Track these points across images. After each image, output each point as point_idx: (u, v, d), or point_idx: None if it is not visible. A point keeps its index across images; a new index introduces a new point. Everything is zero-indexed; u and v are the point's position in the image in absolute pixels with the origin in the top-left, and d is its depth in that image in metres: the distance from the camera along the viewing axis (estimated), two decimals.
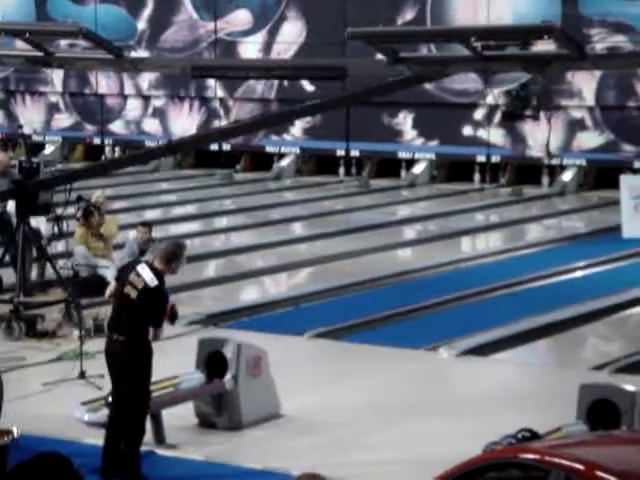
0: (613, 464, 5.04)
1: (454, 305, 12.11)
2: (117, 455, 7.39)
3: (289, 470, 7.43)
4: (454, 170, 21.12)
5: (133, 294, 7.41)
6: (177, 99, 22.60)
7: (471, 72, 10.73)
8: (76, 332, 10.12)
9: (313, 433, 8.34)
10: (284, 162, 21.89)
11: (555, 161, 19.94)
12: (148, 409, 7.58)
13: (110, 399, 7.63)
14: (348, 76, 10.16)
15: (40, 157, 17.88)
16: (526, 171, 20.33)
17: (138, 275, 7.45)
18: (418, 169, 21.06)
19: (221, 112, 22.24)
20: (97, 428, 7.77)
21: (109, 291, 7.86)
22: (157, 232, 12.70)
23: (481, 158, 20.61)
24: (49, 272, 11.85)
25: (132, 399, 7.43)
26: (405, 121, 21.03)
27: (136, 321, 7.41)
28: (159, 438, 8.01)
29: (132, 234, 12.91)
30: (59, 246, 12.54)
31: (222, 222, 18.00)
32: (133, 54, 20.24)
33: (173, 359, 9.34)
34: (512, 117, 9.52)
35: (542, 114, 9.16)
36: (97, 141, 23.24)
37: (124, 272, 7.65)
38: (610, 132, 19.71)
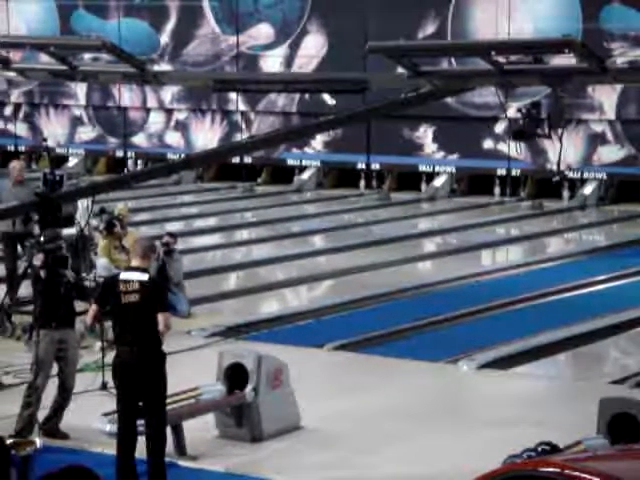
0: (633, 478, 5.04)
1: (474, 318, 12.12)
2: (133, 467, 7.43)
3: None
4: (474, 183, 21.13)
5: (134, 298, 7.39)
6: (199, 112, 22.73)
7: (492, 86, 10.72)
8: (98, 344, 10.18)
9: (333, 445, 8.36)
10: (305, 175, 21.95)
11: (572, 175, 19.92)
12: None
13: (125, 412, 7.61)
14: (369, 90, 10.21)
15: (63, 170, 18.01)
16: (546, 184, 20.31)
17: (126, 282, 7.44)
18: (438, 182, 21.08)
19: (243, 125, 22.35)
20: None
21: (90, 318, 7.72)
22: (179, 244, 12.76)
23: (501, 171, 20.61)
24: None
25: (157, 410, 7.47)
26: (425, 134, 21.06)
27: (146, 325, 7.38)
28: (180, 449, 8.06)
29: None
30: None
31: (243, 235, 18.07)
32: (156, 68, 20.38)
33: (194, 371, 9.41)
34: (523, 135, 9.49)
35: (554, 132, 9.12)
36: (120, 154, 23.39)
37: (108, 291, 7.58)
38: (631, 146, 19.68)
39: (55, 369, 8.51)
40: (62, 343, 8.40)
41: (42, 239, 8.64)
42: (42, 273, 8.42)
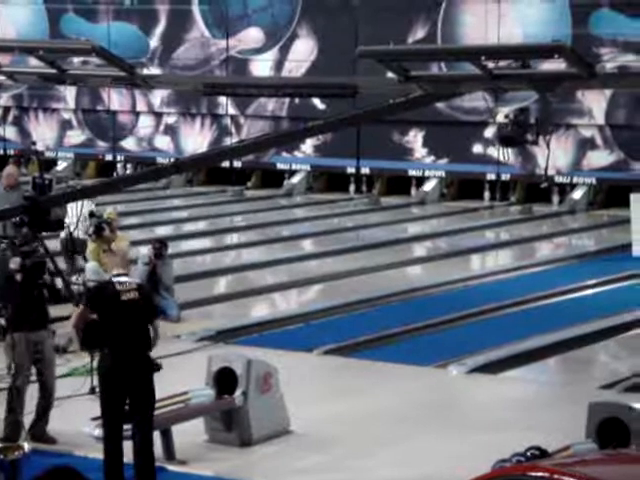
0: None
1: (463, 323, 12.13)
2: (121, 472, 7.42)
3: None
4: (464, 188, 21.16)
5: (134, 295, 7.49)
6: (189, 116, 22.71)
7: (482, 91, 10.75)
8: None
9: (322, 449, 8.36)
10: (295, 179, 21.96)
11: (561, 179, 19.98)
12: None
13: (115, 417, 7.58)
14: (359, 94, 10.21)
15: (52, 173, 18.00)
16: (536, 189, 20.35)
17: (122, 283, 7.54)
18: (428, 187, 21.11)
19: (232, 129, 22.33)
20: None
21: (76, 317, 7.71)
22: (169, 248, 12.73)
23: (491, 176, 20.65)
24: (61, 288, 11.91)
25: (149, 414, 7.49)
26: (415, 139, 21.09)
27: (143, 326, 7.49)
28: (169, 454, 8.04)
29: (143, 251, 12.98)
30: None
31: (233, 239, 18.06)
32: (145, 71, 20.35)
33: (183, 375, 9.39)
34: (510, 142, 9.51)
35: (542, 138, 9.14)
36: (109, 158, 23.35)
37: (100, 295, 7.64)
38: (620, 151, 19.74)
39: (35, 373, 8.46)
40: (37, 345, 8.37)
41: (17, 241, 8.57)
42: (18, 277, 8.34)
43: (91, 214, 12.30)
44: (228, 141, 21.75)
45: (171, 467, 7.90)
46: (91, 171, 23.65)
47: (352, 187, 21.69)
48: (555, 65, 10.11)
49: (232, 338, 11.42)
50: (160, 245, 12.36)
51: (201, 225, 18.79)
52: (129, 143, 23.21)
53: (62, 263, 12.57)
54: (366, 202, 20.71)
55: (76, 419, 8.32)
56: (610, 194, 20.13)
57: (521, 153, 19.70)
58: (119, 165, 23.29)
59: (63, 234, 11.85)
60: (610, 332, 11.83)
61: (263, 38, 21.81)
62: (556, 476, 5.05)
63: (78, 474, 3.45)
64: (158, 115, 22.94)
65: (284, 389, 8.67)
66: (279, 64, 21.65)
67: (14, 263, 8.37)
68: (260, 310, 13.44)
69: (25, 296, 8.33)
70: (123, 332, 7.44)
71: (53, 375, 8.51)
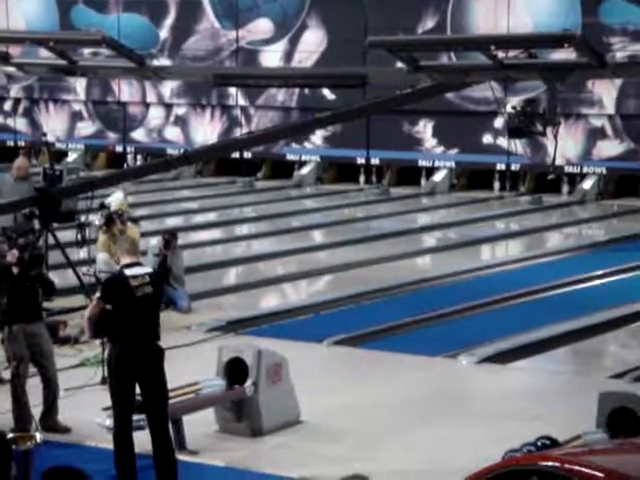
0: (633, 472, 5.05)
1: (473, 313, 12.13)
2: (133, 462, 7.43)
3: (309, 476, 7.47)
4: (474, 178, 21.13)
5: (149, 289, 7.42)
6: (199, 107, 22.73)
7: (492, 81, 10.72)
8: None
9: (333, 440, 8.38)
10: (305, 170, 21.96)
11: (571, 169, 19.93)
12: None
13: (127, 408, 7.58)
14: (368, 84, 10.22)
15: (63, 165, 18.03)
16: (546, 179, 20.31)
17: (135, 277, 7.42)
18: (438, 177, 21.09)
19: (242, 120, 22.34)
20: None
21: (90, 310, 7.61)
22: (179, 239, 12.76)
23: (501, 166, 20.61)
24: (72, 279, 11.97)
25: (164, 403, 7.50)
26: (425, 129, 21.06)
27: (157, 317, 7.46)
28: (180, 444, 8.07)
29: (153, 242, 13.01)
30: (82, 253, 12.67)
31: (243, 230, 18.08)
32: (155, 62, 20.36)
33: (194, 365, 9.43)
34: (518, 133, 9.52)
35: (550, 129, 9.10)
36: (119, 149, 23.39)
37: (113, 290, 7.51)
38: (630, 140, 19.68)
39: (34, 366, 8.48)
40: (34, 337, 8.36)
41: (13, 234, 8.54)
42: (15, 270, 8.26)
43: (102, 205, 12.32)
44: (238, 132, 21.74)
45: (182, 457, 7.92)
46: (101, 162, 23.69)
47: (362, 178, 21.67)
48: (565, 54, 10.09)
49: (242, 329, 11.44)
50: (170, 236, 12.38)
51: (211, 216, 18.81)
52: (139, 134, 23.23)
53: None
54: (376, 193, 20.71)
55: (87, 409, 8.35)
56: (620, 184, 20.08)
57: (531, 143, 19.65)
58: (129, 156, 23.32)
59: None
60: (620, 322, 11.81)
61: (273, 29, 21.79)
62: (567, 466, 5.06)
63: (82, 475, 3.43)
64: (168, 106, 22.95)
65: (294, 379, 8.68)
66: (289, 55, 21.63)
67: (11, 256, 8.32)
68: (270, 301, 13.46)
69: (19, 289, 8.30)
70: (135, 324, 7.42)
71: (53, 365, 8.50)
